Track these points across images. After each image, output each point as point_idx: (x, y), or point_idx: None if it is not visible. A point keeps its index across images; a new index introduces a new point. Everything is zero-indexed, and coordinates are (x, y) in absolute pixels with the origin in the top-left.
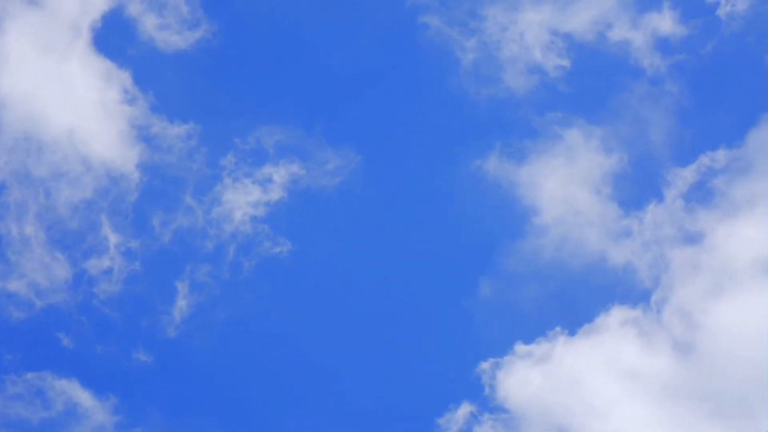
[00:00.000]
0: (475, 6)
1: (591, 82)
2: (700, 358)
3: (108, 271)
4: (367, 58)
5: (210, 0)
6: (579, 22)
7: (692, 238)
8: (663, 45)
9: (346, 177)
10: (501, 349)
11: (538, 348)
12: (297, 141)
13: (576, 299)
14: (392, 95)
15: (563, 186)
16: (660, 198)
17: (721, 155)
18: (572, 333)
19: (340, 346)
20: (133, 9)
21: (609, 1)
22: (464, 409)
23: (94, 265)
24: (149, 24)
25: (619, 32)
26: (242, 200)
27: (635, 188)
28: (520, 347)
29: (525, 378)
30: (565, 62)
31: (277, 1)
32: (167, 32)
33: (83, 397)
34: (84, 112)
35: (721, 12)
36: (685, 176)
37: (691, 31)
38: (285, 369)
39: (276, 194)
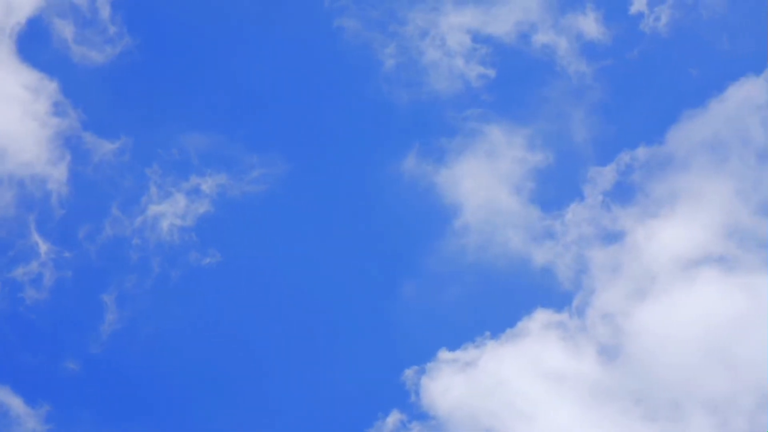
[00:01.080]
0: (396, 9)
1: (514, 83)
2: (627, 360)
3: (35, 280)
4: (288, 63)
5: (130, 13)
6: (502, 25)
7: (613, 238)
8: (586, 48)
9: (272, 184)
10: (425, 355)
11: (463, 353)
12: (222, 149)
13: (499, 302)
14: (314, 99)
15: (485, 186)
16: (581, 197)
17: (641, 153)
18: (496, 337)
19: (268, 357)
20: (57, 22)
21: (532, 5)
22: (393, 417)
23: (22, 274)
24: (69, 35)
25: (543, 36)
26: (169, 211)
27: (557, 188)
28: (445, 353)
29: (450, 384)
30: (489, 66)
31: (195, 11)
32: (89, 46)
33: (15, 402)
34: (9, 121)
35: (645, 26)
36: (605, 175)
37: (615, 33)
38: (212, 380)
39: (203, 204)
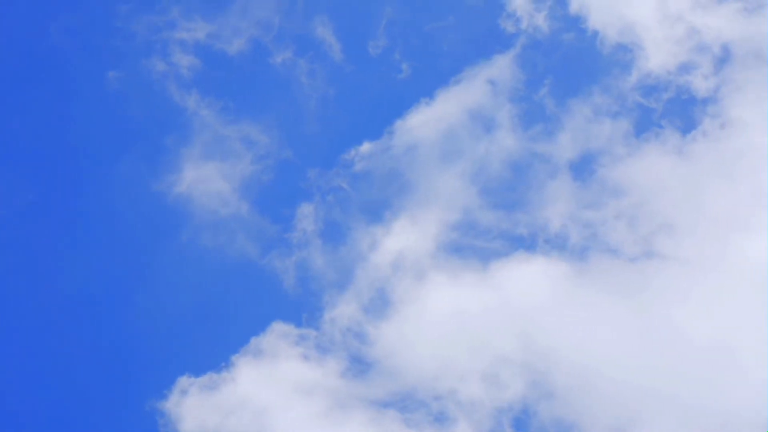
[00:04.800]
0: (119, 21)
1: (242, 87)
2: (377, 368)
3: None
4: (12, 87)
5: None
6: (236, 41)
7: (342, 241)
8: (318, 60)
9: (11, 208)
10: (165, 380)
11: (204, 375)
12: None
13: (234, 317)
14: (40, 120)
15: (215, 192)
16: (310, 200)
17: (365, 149)
18: (235, 355)
19: (12, 399)
20: None
21: (270, 17)
22: None
23: None
24: None
25: (280, 55)
26: None
27: (284, 191)
28: (185, 377)
29: (197, 408)
30: (218, 89)
31: None
32: None
33: None
34: None
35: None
36: (332, 175)
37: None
38: None
39: None
